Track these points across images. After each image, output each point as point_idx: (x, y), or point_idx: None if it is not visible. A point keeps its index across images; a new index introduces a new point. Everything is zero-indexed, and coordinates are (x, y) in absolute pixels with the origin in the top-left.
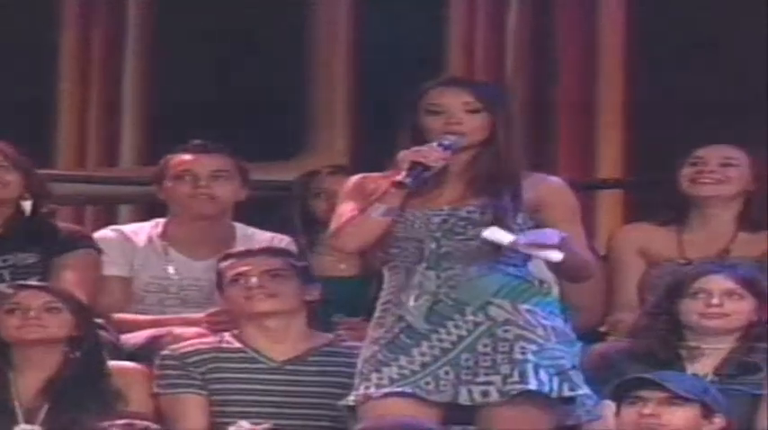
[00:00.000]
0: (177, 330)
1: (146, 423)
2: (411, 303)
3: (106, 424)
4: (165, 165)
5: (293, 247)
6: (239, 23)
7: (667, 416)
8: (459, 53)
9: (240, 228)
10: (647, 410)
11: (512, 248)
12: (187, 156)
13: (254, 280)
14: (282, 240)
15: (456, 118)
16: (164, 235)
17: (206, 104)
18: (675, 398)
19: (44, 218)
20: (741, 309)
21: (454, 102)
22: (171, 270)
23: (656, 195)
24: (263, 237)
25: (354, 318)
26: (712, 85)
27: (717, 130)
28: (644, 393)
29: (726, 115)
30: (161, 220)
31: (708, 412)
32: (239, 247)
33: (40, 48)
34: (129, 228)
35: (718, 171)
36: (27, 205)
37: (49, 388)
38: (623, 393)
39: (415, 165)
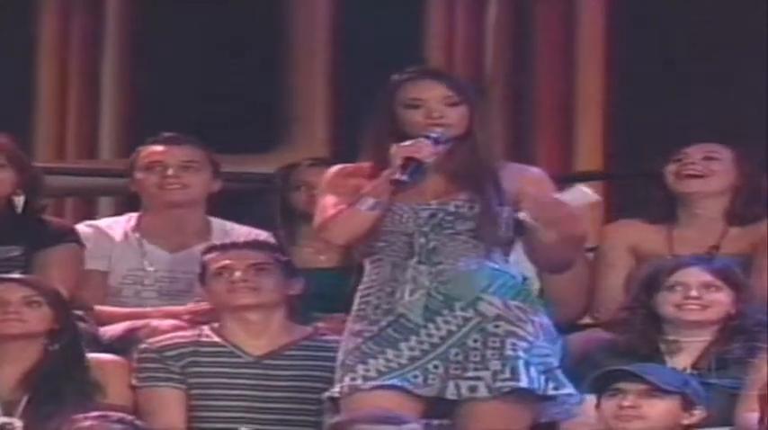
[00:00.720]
0: (154, 322)
1: (120, 414)
2: (407, 298)
3: (81, 416)
4: (136, 157)
5: (271, 242)
6: (219, 17)
7: (647, 408)
8: (439, 45)
9: (217, 222)
10: (626, 402)
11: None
12: (157, 148)
13: (238, 273)
14: (259, 235)
15: (438, 111)
16: (138, 227)
17: (185, 96)
18: (655, 391)
19: (34, 213)
20: (719, 300)
21: (434, 95)
22: (146, 262)
23: (636, 187)
24: (240, 232)
25: (335, 314)
26: (694, 77)
27: (698, 123)
28: (624, 385)
29: (708, 109)
30: (134, 214)
31: (688, 404)
32: (215, 241)
33: (19, 39)
34: (103, 223)
35: (701, 164)
36: (19, 201)
37: (28, 380)
38: (603, 386)
39: (408, 161)
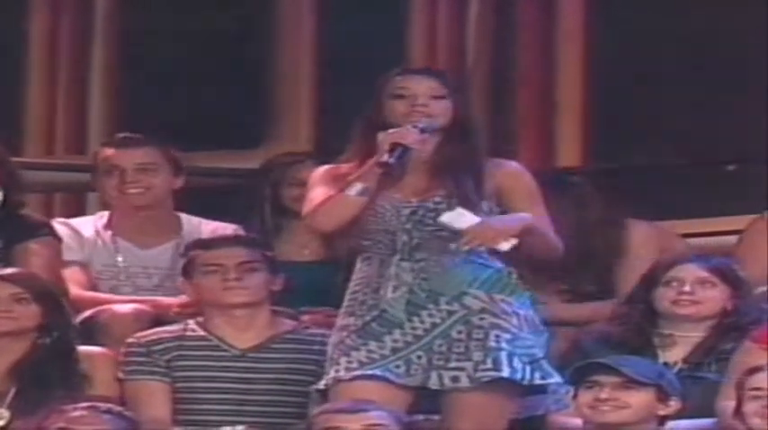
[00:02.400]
0: (115, 306)
1: (109, 405)
2: (390, 295)
3: (71, 406)
4: (94, 160)
5: (255, 237)
6: (205, 15)
7: (623, 400)
8: (421, 41)
9: (185, 217)
10: (603, 394)
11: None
12: (112, 151)
13: (231, 271)
14: (226, 229)
15: (422, 100)
16: (109, 225)
17: (173, 93)
18: (631, 382)
19: (13, 207)
20: (713, 297)
21: (421, 87)
22: (119, 258)
23: (616, 183)
24: (208, 227)
25: (319, 308)
26: (674, 74)
27: (677, 120)
28: (600, 378)
29: (687, 105)
30: (106, 212)
31: (663, 396)
32: (186, 236)
33: (9, 36)
34: (74, 221)
35: None
36: None
37: (16, 371)
38: (580, 378)
39: (395, 146)
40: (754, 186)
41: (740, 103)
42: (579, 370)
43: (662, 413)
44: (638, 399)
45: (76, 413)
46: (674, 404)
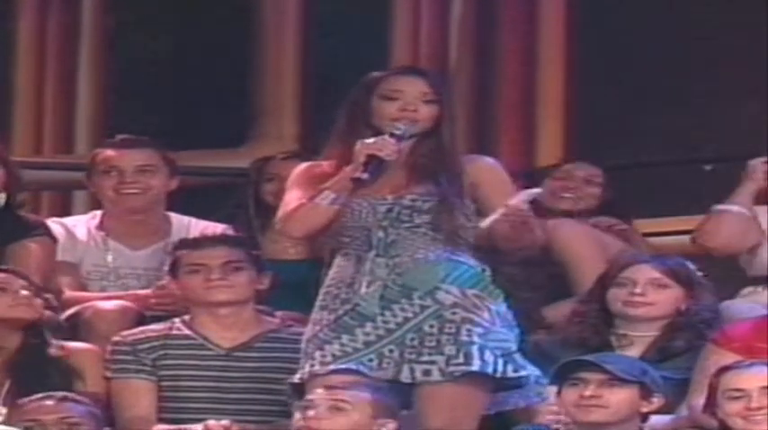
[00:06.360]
0: (99, 303)
1: (66, 394)
2: (363, 290)
3: (27, 399)
4: (93, 160)
5: (242, 236)
6: (191, 12)
7: (607, 397)
8: (404, 40)
9: (176, 217)
10: (588, 392)
11: None
12: (112, 152)
13: (215, 271)
14: (216, 229)
15: (413, 105)
16: (101, 226)
17: (160, 92)
18: (615, 380)
19: (15, 208)
20: (665, 298)
21: (413, 90)
22: (110, 258)
23: None
24: (198, 227)
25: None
26: (652, 74)
27: (656, 119)
28: (584, 375)
29: (668, 104)
30: (98, 212)
31: (647, 393)
32: (176, 237)
33: None
34: (69, 221)
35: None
36: (2, 197)
37: (10, 367)
38: (564, 375)
39: (370, 159)
40: (732, 186)
41: (720, 103)
42: (563, 367)
43: (645, 410)
44: (622, 397)
45: (35, 404)
46: (657, 401)
